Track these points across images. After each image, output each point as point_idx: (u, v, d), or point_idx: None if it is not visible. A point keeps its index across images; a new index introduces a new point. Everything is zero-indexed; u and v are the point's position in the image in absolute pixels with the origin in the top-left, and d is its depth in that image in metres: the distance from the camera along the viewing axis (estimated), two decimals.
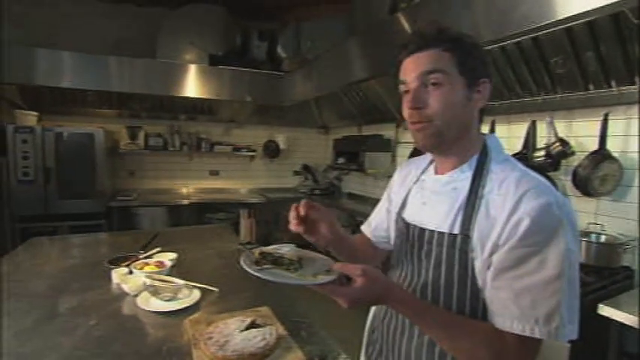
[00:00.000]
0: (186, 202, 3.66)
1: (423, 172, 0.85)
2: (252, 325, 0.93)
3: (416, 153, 2.40)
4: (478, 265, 0.66)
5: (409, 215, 0.82)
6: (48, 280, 1.35)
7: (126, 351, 0.89)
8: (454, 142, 0.72)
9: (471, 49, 0.69)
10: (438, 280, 0.71)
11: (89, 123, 3.53)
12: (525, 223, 0.60)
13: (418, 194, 0.82)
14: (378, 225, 0.96)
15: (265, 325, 0.94)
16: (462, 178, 0.72)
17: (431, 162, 0.84)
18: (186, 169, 4.17)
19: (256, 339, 0.84)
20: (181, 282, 1.20)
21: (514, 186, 0.64)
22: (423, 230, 0.75)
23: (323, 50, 3.28)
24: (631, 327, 1.27)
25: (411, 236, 0.79)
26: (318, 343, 0.93)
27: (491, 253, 0.64)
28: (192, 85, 3.50)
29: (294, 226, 0.76)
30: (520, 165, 0.71)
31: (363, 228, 1.02)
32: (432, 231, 0.73)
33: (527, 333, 0.60)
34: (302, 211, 0.76)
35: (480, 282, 0.66)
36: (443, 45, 0.68)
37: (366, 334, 0.93)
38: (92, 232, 2.44)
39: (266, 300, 1.16)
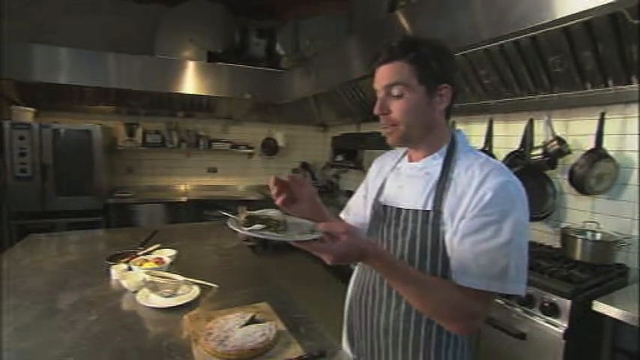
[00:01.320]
0: (184, 199, 3.66)
1: (398, 161, 0.95)
2: (252, 321, 0.93)
3: None
4: (448, 236, 0.76)
5: (386, 198, 0.91)
6: (47, 276, 1.35)
7: (126, 346, 0.90)
8: (420, 139, 0.83)
9: (432, 59, 0.77)
10: (413, 253, 0.80)
11: (86, 119, 3.51)
12: (488, 196, 0.71)
13: (394, 180, 0.92)
14: (357, 212, 1.03)
15: (265, 320, 0.95)
16: (434, 164, 0.83)
17: (405, 152, 0.94)
18: (184, 166, 4.16)
19: (256, 334, 0.85)
20: (181, 278, 1.21)
21: (479, 169, 0.76)
22: (399, 210, 0.85)
23: (322, 48, 3.28)
24: (625, 323, 1.28)
25: (388, 216, 0.87)
26: (316, 338, 0.94)
27: (459, 222, 0.74)
28: (191, 82, 3.50)
29: (276, 198, 0.83)
30: (482, 154, 0.83)
31: (342, 215, 1.09)
32: (408, 209, 0.83)
33: (483, 287, 0.71)
34: (273, 180, 0.82)
35: (449, 251, 0.76)
36: (405, 57, 0.77)
37: (345, 316, 1.00)
38: (90, 229, 2.44)
39: (265, 296, 1.17)
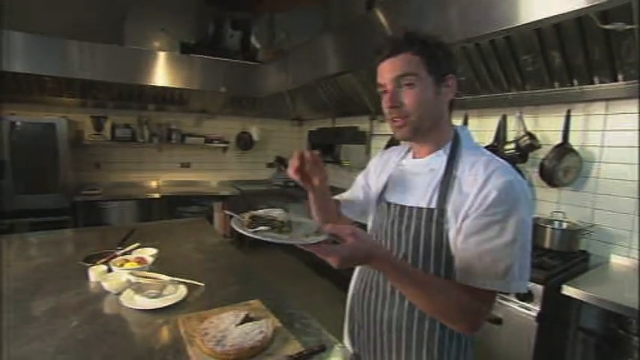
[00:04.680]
0: (156, 195, 3.53)
1: (402, 158, 0.95)
2: (247, 319, 0.93)
3: (392, 144, 2.45)
4: (452, 234, 0.76)
5: (390, 196, 0.91)
6: (15, 282, 1.25)
7: (116, 352, 0.86)
8: (429, 132, 0.82)
9: (437, 50, 0.78)
10: (417, 251, 0.81)
11: (49, 112, 3.28)
12: (493, 196, 0.71)
13: (398, 177, 0.92)
14: (354, 201, 1.03)
15: (259, 318, 0.94)
16: (438, 161, 0.83)
17: (409, 149, 0.94)
18: (155, 162, 4.01)
19: (254, 332, 0.84)
20: (166, 278, 1.17)
21: (483, 167, 0.75)
22: (403, 207, 0.85)
23: (297, 42, 3.25)
24: (587, 304, 1.40)
25: (392, 214, 0.87)
26: (313, 333, 0.94)
27: (463, 221, 0.74)
28: (162, 74, 3.35)
29: (293, 173, 0.84)
30: (486, 151, 0.83)
31: (341, 197, 1.08)
32: (412, 207, 0.83)
33: (488, 287, 0.72)
34: (307, 162, 0.83)
35: (453, 250, 0.77)
36: (412, 49, 0.77)
37: (347, 312, 0.99)
38: (56, 228, 2.29)
39: (254, 293, 1.16)
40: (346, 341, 0.98)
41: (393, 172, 0.94)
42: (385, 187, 0.94)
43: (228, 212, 0.79)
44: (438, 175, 0.81)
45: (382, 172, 0.98)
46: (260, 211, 0.76)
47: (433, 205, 0.79)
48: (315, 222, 0.77)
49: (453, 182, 0.78)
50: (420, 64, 0.77)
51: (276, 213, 0.75)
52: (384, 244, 0.88)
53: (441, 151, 0.83)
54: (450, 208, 0.76)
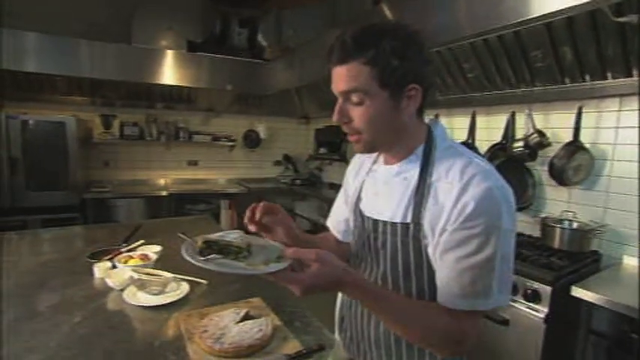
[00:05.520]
0: (164, 193, 3.56)
1: (374, 163, 0.86)
2: (247, 317, 0.92)
3: None
4: (431, 249, 0.70)
5: (364, 207, 0.84)
6: (23, 277, 1.28)
7: (116, 348, 0.87)
8: (390, 144, 0.75)
9: (395, 58, 0.64)
10: (396, 269, 0.75)
11: (59, 111, 3.33)
12: (470, 207, 0.63)
13: (371, 185, 0.84)
14: (339, 218, 0.97)
15: (260, 316, 0.94)
16: (410, 167, 0.75)
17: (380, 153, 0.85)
18: (163, 160, 4.04)
19: (253, 330, 0.84)
20: (169, 275, 1.18)
21: (459, 174, 0.67)
22: (376, 221, 0.78)
23: (304, 39, 3.24)
24: (598, 306, 1.36)
25: (367, 227, 0.81)
26: (313, 332, 0.93)
27: (440, 236, 0.68)
28: (170, 73, 3.37)
29: (249, 225, 0.80)
30: (464, 150, 0.74)
31: (329, 223, 1.03)
32: (386, 222, 0.76)
33: (468, 308, 0.66)
34: (257, 216, 0.78)
35: (434, 265, 0.71)
36: (362, 57, 0.64)
37: (336, 321, 0.96)
38: (66, 225, 2.33)
39: (256, 291, 1.15)
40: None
41: (366, 179, 0.87)
42: (359, 196, 0.87)
43: (181, 235, 0.76)
44: (412, 184, 0.73)
45: (356, 178, 0.91)
46: (214, 235, 0.69)
47: (408, 220, 0.72)
48: (279, 244, 0.70)
49: (429, 191, 0.70)
50: (370, 77, 0.65)
51: (233, 237, 0.69)
52: (364, 258, 0.83)
53: (413, 157, 0.75)
54: (426, 222, 0.69)
